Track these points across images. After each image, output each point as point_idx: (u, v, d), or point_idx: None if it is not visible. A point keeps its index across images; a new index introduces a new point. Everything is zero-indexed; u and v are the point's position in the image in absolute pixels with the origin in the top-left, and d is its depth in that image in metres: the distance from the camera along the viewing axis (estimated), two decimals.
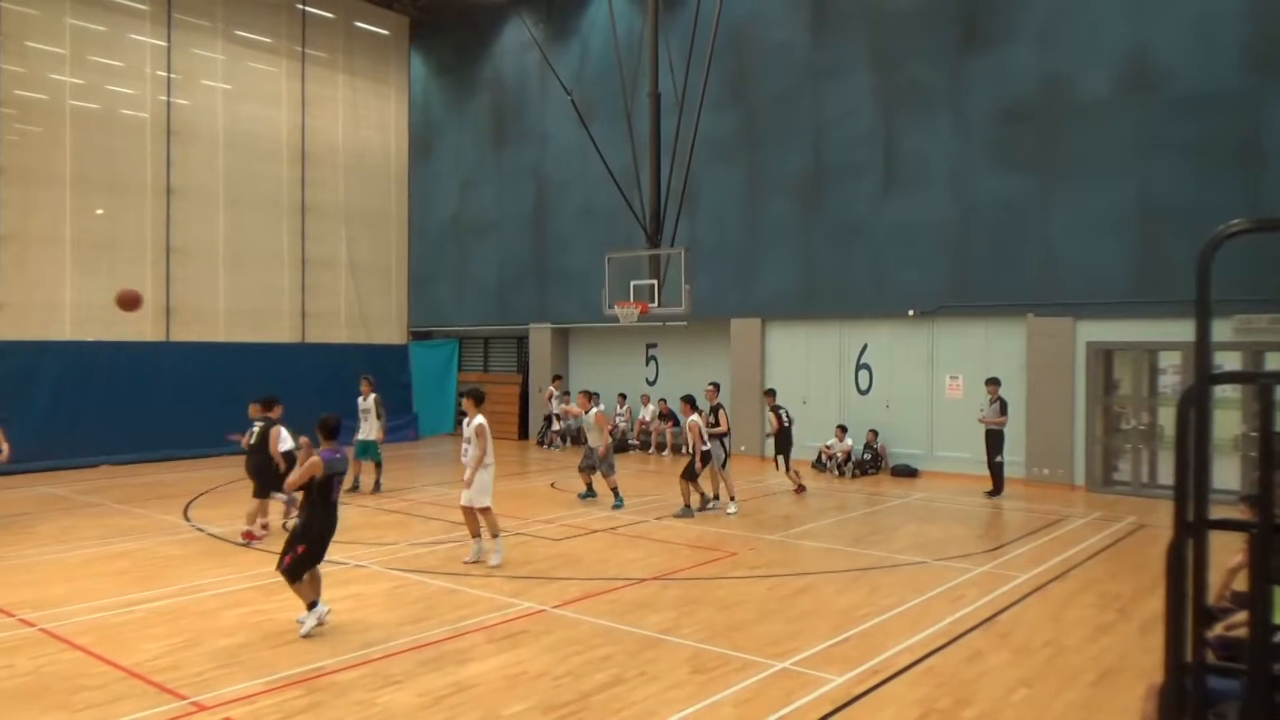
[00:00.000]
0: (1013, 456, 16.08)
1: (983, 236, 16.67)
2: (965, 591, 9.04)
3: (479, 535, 10.28)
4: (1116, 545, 11.35)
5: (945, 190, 17.08)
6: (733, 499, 13.53)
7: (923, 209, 17.30)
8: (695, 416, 13.43)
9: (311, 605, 7.62)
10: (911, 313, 17.51)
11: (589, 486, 14.56)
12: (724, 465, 13.65)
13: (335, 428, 7.90)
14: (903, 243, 17.56)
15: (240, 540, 11.14)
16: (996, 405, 15.12)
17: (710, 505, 13.62)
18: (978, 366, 16.74)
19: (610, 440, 14.09)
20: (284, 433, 11.48)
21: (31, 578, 9.59)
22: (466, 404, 10.35)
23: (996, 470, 15.05)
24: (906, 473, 17.38)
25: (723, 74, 19.01)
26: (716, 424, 13.55)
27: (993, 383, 15.32)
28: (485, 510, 10.09)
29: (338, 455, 7.72)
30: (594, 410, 14.15)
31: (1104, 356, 15.74)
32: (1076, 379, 15.76)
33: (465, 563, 10.11)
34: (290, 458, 11.20)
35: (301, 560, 7.50)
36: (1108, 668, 6.88)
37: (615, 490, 13.84)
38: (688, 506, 13.35)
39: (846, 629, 7.73)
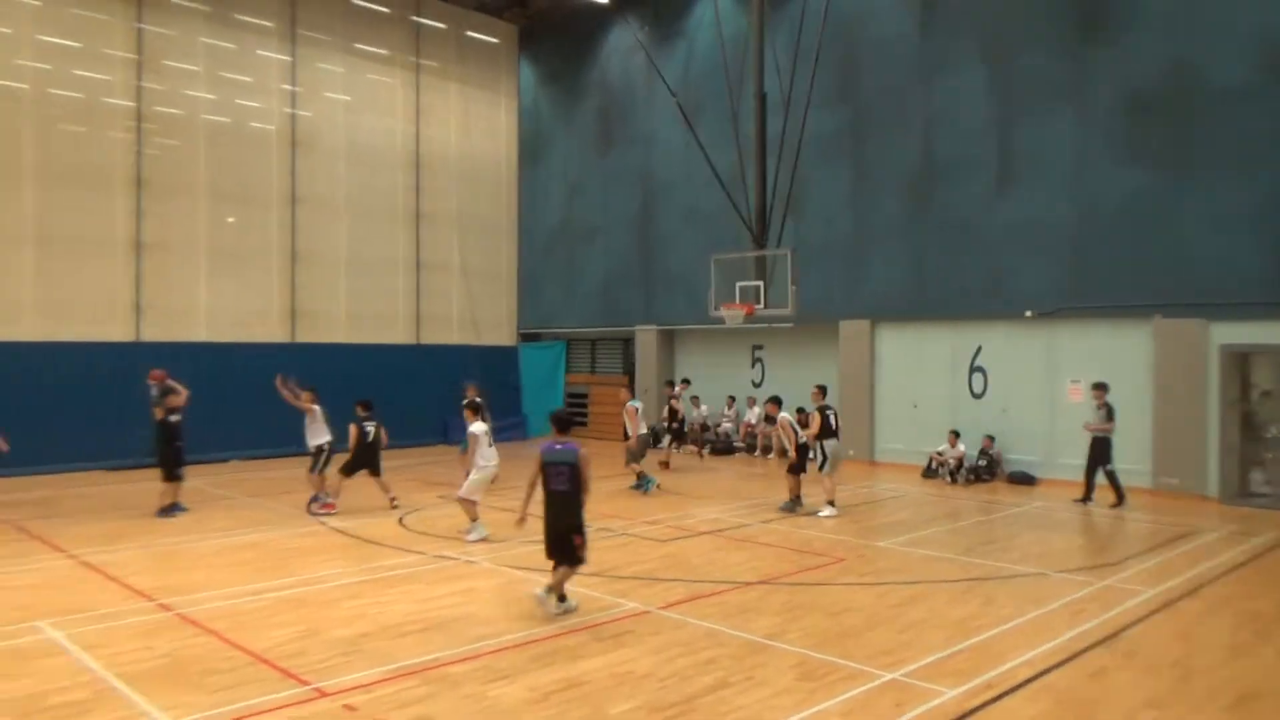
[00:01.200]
0: (1138, 465, 15.40)
1: (1106, 234, 15.92)
2: (1086, 606, 8.65)
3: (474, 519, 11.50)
4: (1254, 561, 10.66)
5: (1065, 186, 16.39)
6: (830, 504, 13.35)
7: (1041, 206, 16.65)
8: (785, 414, 13.94)
9: (550, 589, 8.16)
10: (1029, 314, 16.86)
11: (640, 477, 15.54)
12: (822, 468, 13.52)
13: (566, 422, 8.59)
14: (1019, 241, 16.94)
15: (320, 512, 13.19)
16: (1104, 411, 14.47)
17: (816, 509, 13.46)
18: (1101, 370, 15.97)
19: (645, 432, 15.71)
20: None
21: (170, 565, 10.22)
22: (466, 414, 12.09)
23: (1111, 478, 14.41)
24: (1024, 480, 16.73)
25: (830, 71, 18.73)
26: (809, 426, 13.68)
27: (1099, 388, 14.69)
28: (462, 500, 11.51)
29: (557, 447, 8.17)
30: (630, 404, 15.72)
31: (1240, 360, 14.82)
32: (1209, 384, 14.88)
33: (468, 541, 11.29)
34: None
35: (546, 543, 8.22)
36: (1245, 691, 6.47)
37: (639, 475, 15.42)
38: (791, 500, 13.68)
39: (960, 640, 7.50)
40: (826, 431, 13.48)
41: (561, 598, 8.18)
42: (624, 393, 16.53)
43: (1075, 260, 16.31)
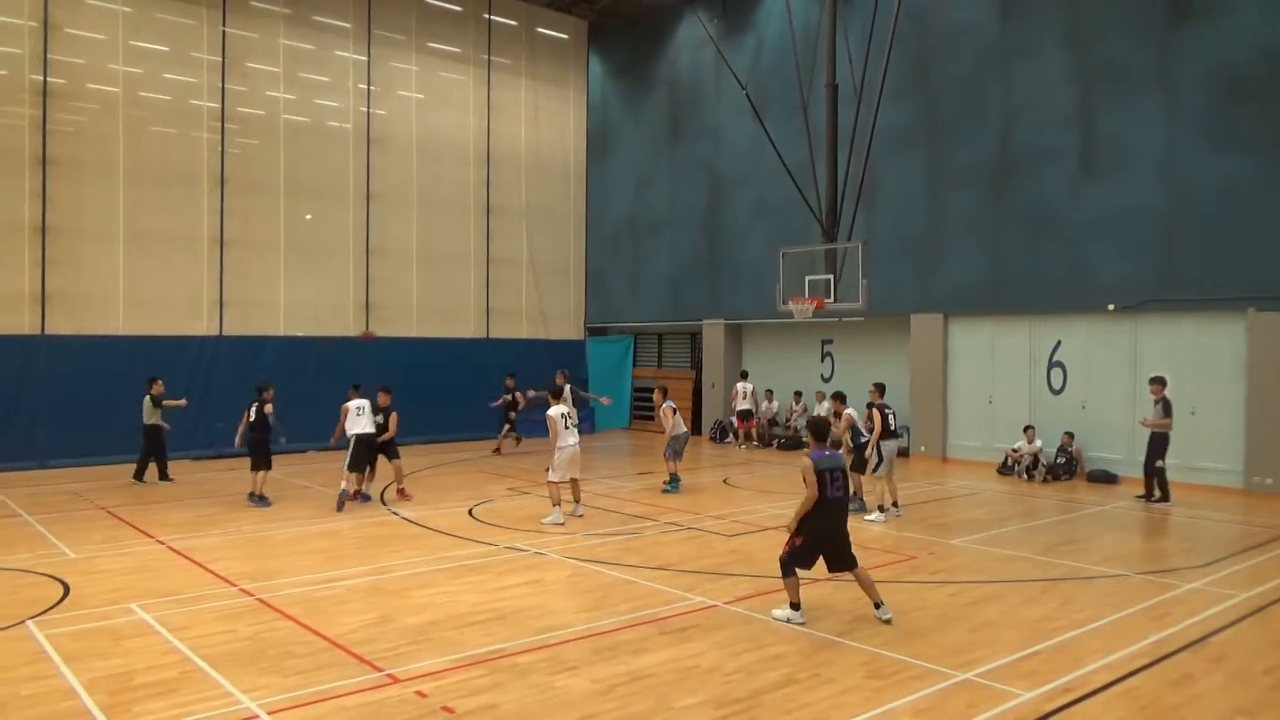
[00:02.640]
0: (1229, 465, 14.87)
1: (1196, 224, 15.30)
2: (1171, 609, 8.33)
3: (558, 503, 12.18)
4: None
5: (1152, 175, 15.80)
6: (881, 509, 12.65)
7: (1126, 195, 16.08)
8: (849, 411, 13.23)
9: (794, 605, 7.75)
10: (1112, 307, 16.32)
11: (672, 477, 15.21)
12: (876, 470, 12.81)
13: (824, 430, 8.25)
14: (1102, 232, 16.39)
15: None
16: (1160, 406, 14.03)
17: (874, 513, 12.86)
18: (1188, 365, 15.42)
19: (683, 431, 15.16)
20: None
21: (250, 551, 10.55)
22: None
23: (1159, 475, 14.03)
24: (1104, 478, 16.21)
25: (904, 61, 18.37)
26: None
27: (1158, 382, 14.26)
28: (549, 483, 12.28)
29: (827, 454, 7.81)
30: (665, 405, 15.41)
31: None
32: None
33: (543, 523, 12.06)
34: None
35: (796, 552, 7.71)
36: None
37: (672, 474, 15.07)
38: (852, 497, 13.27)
39: (1036, 642, 7.29)
40: (885, 433, 12.78)
41: (878, 604, 7.79)
42: (658, 395, 16.03)
43: (1162, 251, 15.71)
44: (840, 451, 8.12)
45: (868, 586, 7.79)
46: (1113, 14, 16.35)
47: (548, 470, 12.36)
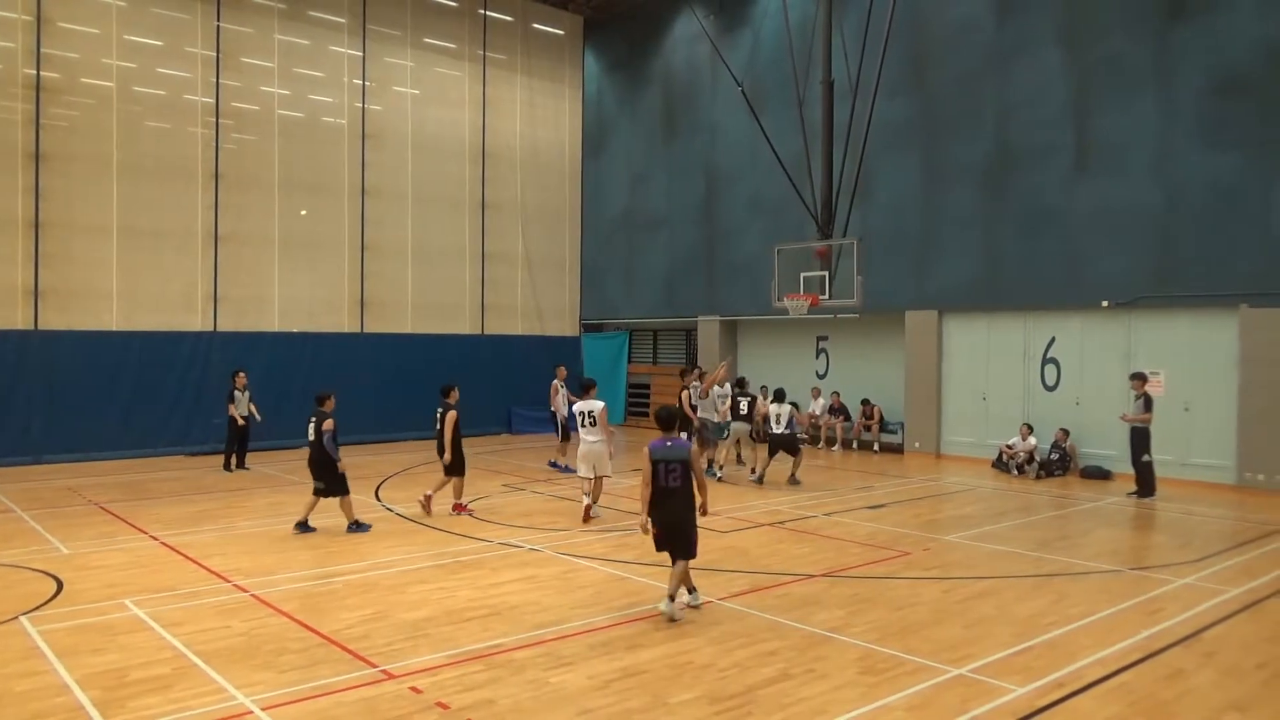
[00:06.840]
0: (1222, 461, 14.91)
1: (1190, 221, 15.34)
2: (1164, 604, 8.37)
3: None
4: None
5: (1147, 172, 15.83)
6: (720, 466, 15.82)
7: (1121, 192, 16.11)
8: (765, 402, 16.17)
9: (671, 596, 7.83)
10: (1106, 304, 16.36)
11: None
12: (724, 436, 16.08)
13: (672, 420, 8.39)
14: (1097, 229, 16.42)
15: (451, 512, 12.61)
16: (1141, 401, 14.13)
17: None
18: (1181, 361, 15.47)
19: (705, 419, 15.91)
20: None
21: (245, 547, 10.53)
22: None
23: (1145, 470, 14.10)
24: (1098, 475, 16.27)
25: (900, 57, 18.36)
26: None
27: (1138, 378, 14.37)
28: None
29: (668, 444, 7.96)
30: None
31: None
32: None
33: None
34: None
35: (656, 541, 8.02)
36: None
37: (709, 460, 16.03)
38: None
39: (1029, 637, 7.32)
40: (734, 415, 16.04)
41: (691, 589, 8.16)
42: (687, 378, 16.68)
43: (1157, 248, 15.75)
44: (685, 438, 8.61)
45: (678, 576, 7.85)
46: (1109, 11, 16.36)
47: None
